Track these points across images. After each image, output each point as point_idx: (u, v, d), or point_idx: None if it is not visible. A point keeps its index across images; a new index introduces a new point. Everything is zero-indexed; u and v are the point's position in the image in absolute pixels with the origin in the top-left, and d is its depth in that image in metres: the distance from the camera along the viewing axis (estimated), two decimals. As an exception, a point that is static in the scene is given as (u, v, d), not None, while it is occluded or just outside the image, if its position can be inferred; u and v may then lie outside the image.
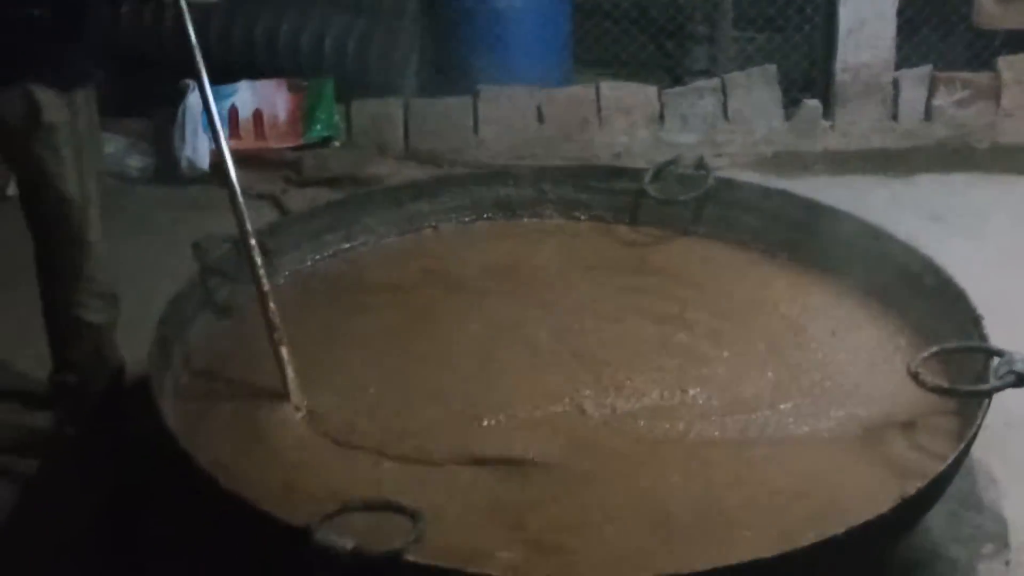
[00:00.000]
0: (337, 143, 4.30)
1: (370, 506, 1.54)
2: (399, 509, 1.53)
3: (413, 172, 4.10)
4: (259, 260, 2.10)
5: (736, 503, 1.70)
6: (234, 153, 3.99)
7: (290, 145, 4.22)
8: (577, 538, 1.65)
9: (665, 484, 1.75)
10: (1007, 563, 1.93)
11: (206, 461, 1.63)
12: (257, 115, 4.23)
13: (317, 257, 2.54)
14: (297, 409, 1.97)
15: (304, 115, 4.26)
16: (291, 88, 4.29)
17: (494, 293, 2.38)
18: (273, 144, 4.21)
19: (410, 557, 1.43)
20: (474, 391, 2.00)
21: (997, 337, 2.77)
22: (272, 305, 2.06)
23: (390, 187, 2.95)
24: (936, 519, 2.00)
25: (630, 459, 1.81)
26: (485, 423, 1.92)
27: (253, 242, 2.13)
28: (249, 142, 4.17)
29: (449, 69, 4.73)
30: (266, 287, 2.08)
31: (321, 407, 1.98)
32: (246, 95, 4.23)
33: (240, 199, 2.20)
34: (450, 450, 1.83)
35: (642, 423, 1.93)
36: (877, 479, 1.78)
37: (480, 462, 1.80)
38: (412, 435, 1.88)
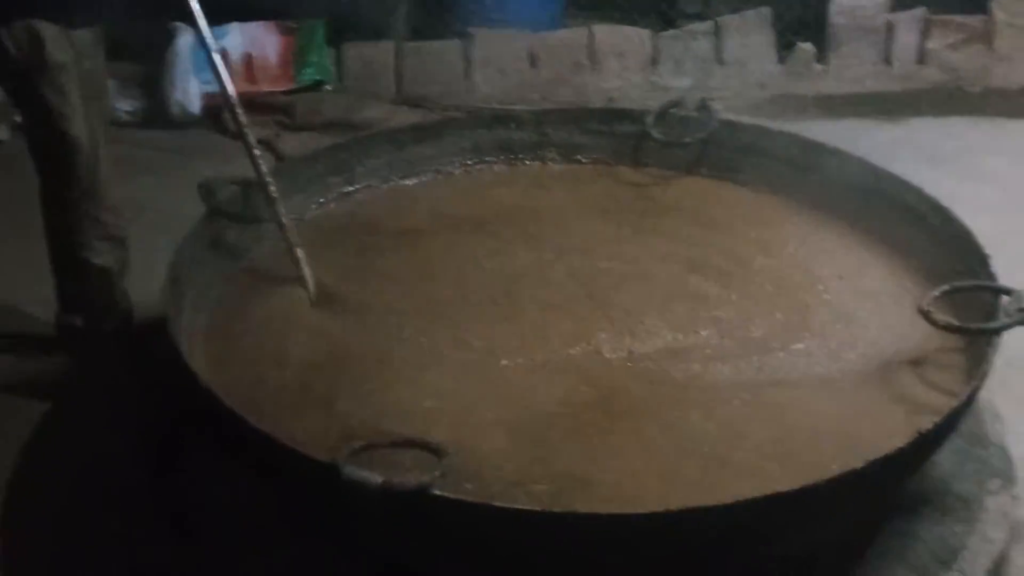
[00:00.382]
0: (329, 87, 4.25)
1: (396, 442, 1.55)
2: (424, 446, 1.54)
3: (406, 116, 4.07)
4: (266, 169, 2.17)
5: (757, 439, 1.72)
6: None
7: (281, 89, 4.16)
8: (605, 472, 1.66)
9: (686, 422, 1.76)
10: (1013, 497, 1.96)
11: (229, 399, 1.63)
12: (247, 58, 4.16)
13: (322, 200, 2.52)
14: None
15: (295, 58, 4.20)
16: (281, 31, 4.22)
17: (507, 236, 2.37)
18: (264, 88, 4.15)
19: (438, 492, 1.44)
20: (494, 333, 2.01)
21: (999, 276, 2.82)
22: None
23: (392, 130, 2.92)
24: (944, 455, 2.03)
25: (650, 399, 1.83)
26: (505, 363, 1.92)
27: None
28: (240, 86, 4.06)
29: (440, 12, 4.67)
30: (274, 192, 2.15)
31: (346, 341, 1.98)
32: (236, 38, 4.15)
33: (246, 128, 2.27)
34: (473, 390, 1.84)
35: (659, 364, 1.94)
36: (891, 416, 1.80)
37: (503, 402, 1.80)
38: (437, 374, 1.88)
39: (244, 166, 2.74)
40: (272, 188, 2.17)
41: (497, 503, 1.47)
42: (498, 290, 2.16)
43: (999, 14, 4.63)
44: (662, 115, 2.79)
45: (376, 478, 1.42)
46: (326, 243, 2.33)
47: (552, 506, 1.53)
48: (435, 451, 1.52)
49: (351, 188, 2.60)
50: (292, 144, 3.80)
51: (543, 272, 2.22)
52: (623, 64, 4.71)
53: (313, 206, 2.50)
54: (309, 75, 4.21)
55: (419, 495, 1.43)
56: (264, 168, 2.21)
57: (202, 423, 1.73)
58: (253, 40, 4.19)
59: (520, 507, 1.48)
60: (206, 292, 2.10)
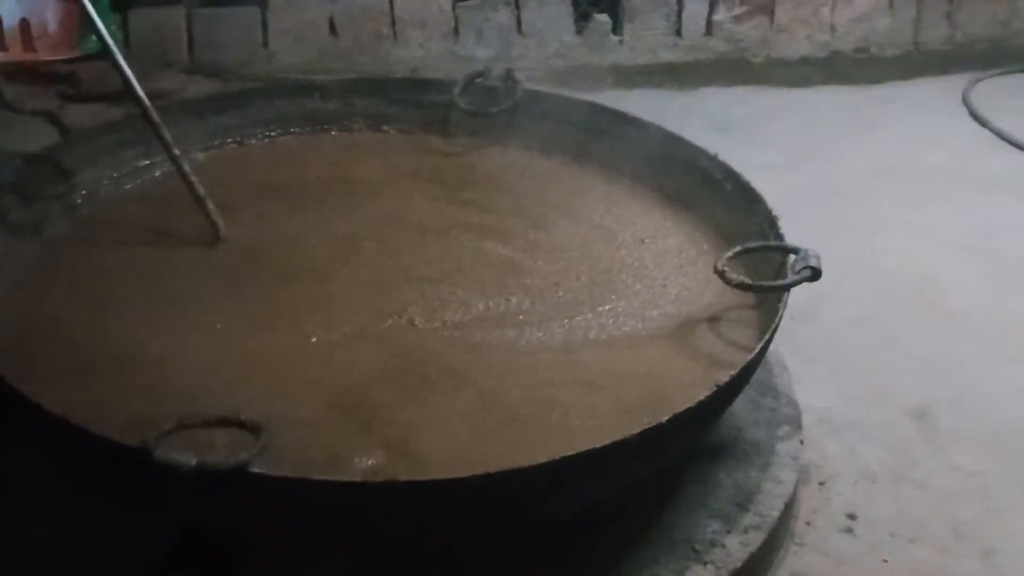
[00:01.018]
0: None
1: (208, 422, 1.50)
2: (240, 424, 1.50)
3: (201, 87, 3.93)
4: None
5: (569, 400, 1.77)
6: (1, 66, 3.75)
7: (64, 57, 3.90)
8: (428, 440, 1.67)
9: (502, 387, 1.79)
10: (801, 442, 2.11)
11: (27, 387, 1.53)
12: (24, 24, 3.85)
13: (115, 175, 2.40)
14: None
15: (77, 25, 3.94)
16: (63, -6, 3.96)
17: (315, 207, 2.34)
18: (45, 56, 3.86)
19: (256, 469, 1.41)
20: (305, 308, 1.98)
21: (787, 235, 3.01)
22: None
23: (191, 99, 2.82)
24: (739, 405, 2.16)
25: (465, 366, 1.84)
26: (315, 339, 1.90)
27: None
28: (17, 54, 3.80)
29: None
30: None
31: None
32: (10, 2, 3.86)
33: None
34: (285, 366, 1.80)
35: (472, 332, 1.95)
36: (692, 371, 1.89)
37: (318, 377, 1.78)
38: (246, 352, 1.84)
39: (25, 137, 2.59)
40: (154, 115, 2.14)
41: (317, 476, 1.46)
42: (306, 263, 2.12)
43: (779, -13, 4.90)
44: (468, 85, 2.81)
45: (190, 459, 1.38)
46: (121, 220, 2.22)
47: (374, 477, 1.53)
48: (251, 429, 1.49)
49: (148, 162, 2.48)
50: (80, 116, 3.59)
51: (353, 244, 2.20)
52: (425, 34, 4.70)
53: (106, 181, 2.38)
54: (94, 42, 3.95)
55: (236, 473, 1.40)
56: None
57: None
58: (30, 5, 3.89)
59: (341, 479, 1.47)
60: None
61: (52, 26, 3.92)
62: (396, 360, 1.85)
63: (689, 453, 2.00)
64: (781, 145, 3.80)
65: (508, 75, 2.85)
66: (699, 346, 2.01)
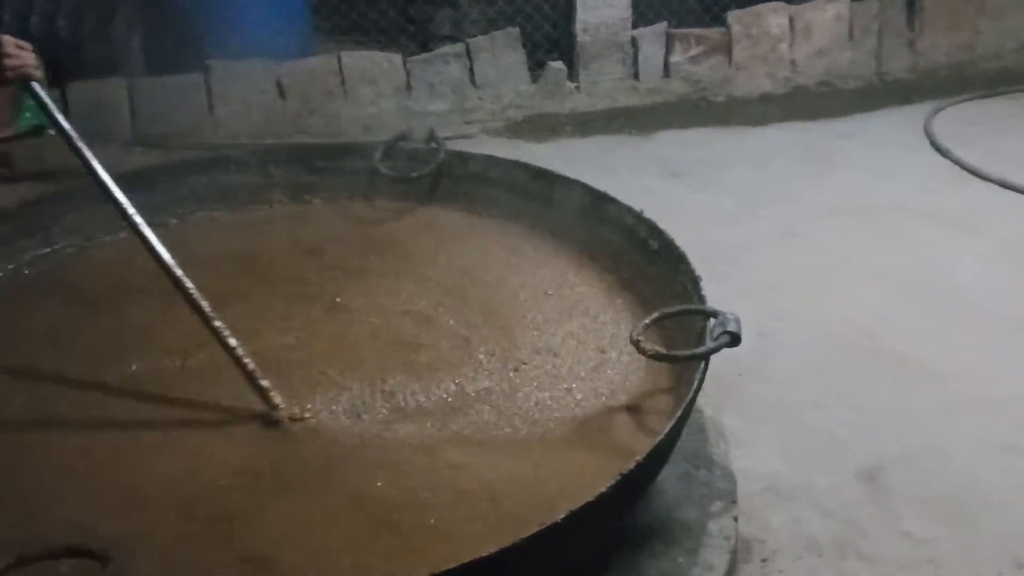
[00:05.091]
0: (52, 131, 3.93)
1: (54, 553, 1.38)
2: (86, 553, 1.37)
3: (141, 159, 3.84)
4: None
5: (453, 503, 1.63)
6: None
7: (-2, 137, 3.83)
8: (293, 550, 1.54)
9: (372, 488, 1.65)
10: (735, 519, 1.97)
11: None
12: None
13: (10, 266, 2.30)
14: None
15: (12, 103, 3.87)
16: (-5, 73, 3.89)
17: (204, 291, 2.21)
18: (-23, 137, 3.81)
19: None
20: (157, 406, 1.85)
21: (732, 283, 2.90)
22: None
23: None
24: (670, 481, 2.03)
25: (331, 465, 1.71)
26: (172, 435, 1.77)
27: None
28: (-51, 137, 3.76)
29: (177, 44, 4.43)
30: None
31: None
32: (-58, 84, 3.79)
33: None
34: (138, 473, 1.67)
35: (341, 424, 1.82)
36: (603, 459, 1.75)
37: (173, 481, 1.65)
38: (98, 461, 1.71)
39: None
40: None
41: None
42: (175, 355, 2.01)
43: (735, 26, 4.83)
44: (390, 149, 2.72)
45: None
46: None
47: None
48: (100, 558, 1.36)
49: (48, 250, 2.38)
50: (9, 197, 3.48)
51: (232, 328, 2.08)
52: (376, 91, 4.62)
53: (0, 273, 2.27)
54: (27, 120, 3.87)
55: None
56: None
57: None
58: (-37, 85, 3.83)
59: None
60: None
61: (-14, 106, 3.85)
62: (256, 459, 1.71)
63: (612, 538, 1.86)
64: (735, 188, 3.70)
65: (431, 136, 2.75)
66: (612, 430, 1.88)
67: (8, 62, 2.01)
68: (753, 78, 4.89)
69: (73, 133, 2.11)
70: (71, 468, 1.69)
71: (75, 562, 1.38)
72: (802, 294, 2.94)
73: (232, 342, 1.89)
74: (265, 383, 1.87)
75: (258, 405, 1.85)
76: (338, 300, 2.21)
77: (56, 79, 4.00)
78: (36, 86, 2.11)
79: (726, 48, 4.85)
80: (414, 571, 1.41)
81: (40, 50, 3.85)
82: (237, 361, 1.87)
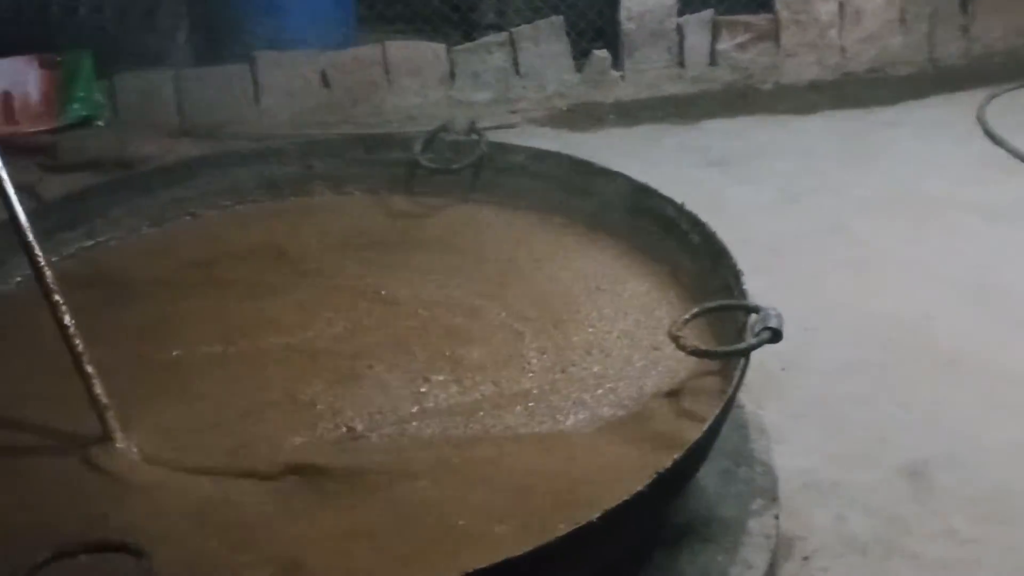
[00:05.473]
0: (101, 122, 4.00)
1: (89, 548, 1.39)
2: (123, 547, 1.39)
3: (187, 149, 3.86)
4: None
5: (485, 501, 1.62)
6: (-18, 140, 3.74)
7: (46, 128, 3.89)
8: (320, 550, 1.54)
9: (403, 487, 1.64)
10: (776, 517, 1.94)
11: None
12: (6, 97, 3.87)
13: (55, 259, 2.31)
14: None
15: (60, 94, 3.93)
16: (44, 64, 3.95)
17: (246, 287, 2.24)
18: (26, 128, 3.87)
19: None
20: (200, 404, 1.86)
21: (776, 275, 2.86)
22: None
23: (137, 173, 2.75)
24: (710, 478, 2.01)
25: (374, 468, 1.70)
26: (212, 435, 1.78)
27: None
28: (-2, 127, 3.84)
29: (223, 34, 4.47)
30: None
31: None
32: (-7, 76, 3.87)
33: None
34: (177, 474, 1.68)
35: (371, 423, 1.82)
36: (640, 457, 1.72)
37: (211, 485, 1.65)
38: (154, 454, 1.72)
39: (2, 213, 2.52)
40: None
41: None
42: (216, 350, 2.01)
43: (783, 12, 4.75)
44: (430, 141, 2.71)
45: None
46: (40, 312, 2.12)
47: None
48: (134, 552, 1.37)
49: (91, 242, 2.41)
50: (57, 188, 3.54)
51: (277, 320, 2.09)
52: (420, 80, 4.62)
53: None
54: (75, 111, 3.95)
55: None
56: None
57: None
58: (13, 77, 3.90)
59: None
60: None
61: (35, 97, 3.92)
62: (295, 459, 1.71)
63: (650, 537, 1.85)
64: (780, 179, 3.65)
65: (472, 128, 2.74)
66: (654, 424, 1.83)
67: None
68: (801, 65, 4.81)
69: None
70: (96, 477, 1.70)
71: (112, 557, 1.39)
72: (847, 288, 2.90)
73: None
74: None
75: (301, 404, 1.84)
76: (383, 293, 2.20)
77: (103, 69, 4.05)
78: None
79: (774, 35, 4.78)
80: (445, 571, 1.41)
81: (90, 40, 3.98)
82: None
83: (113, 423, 1.73)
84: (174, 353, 2.02)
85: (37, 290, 1.81)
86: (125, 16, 4.16)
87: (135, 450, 1.73)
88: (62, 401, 1.80)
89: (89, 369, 1.74)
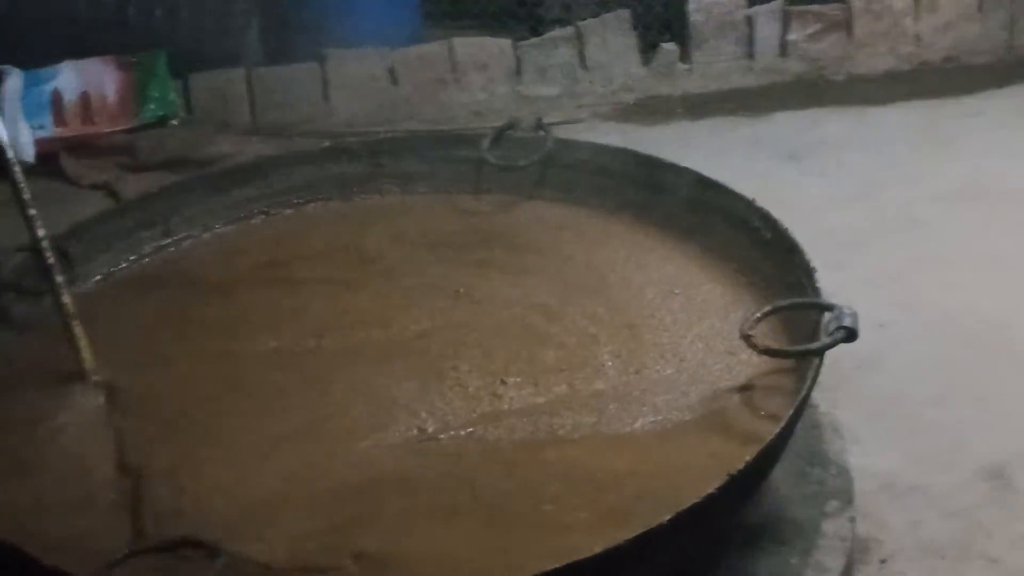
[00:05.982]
0: (175, 122, 4.07)
1: (163, 546, 1.42)
2: (196, 544, 1.41)
3: (258, 147, 3.92)
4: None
5: (563, 498, 1.62)
6: (61, 141, 3.85)
7: (122, 128, 3.97)
8: (411, 546, 1.55)
9: (480, 483, 1.65)
10: (852, 519, 1.91)
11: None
12: (84, 98, 3.96)
13: (132, 258, 2.37)
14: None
15: (136, 94, 4.01)
16: (120, 65, 4.02)
17: (324, 284, 2.27)
18: (103, 128, 3.95)
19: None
20: (283, 404, 1.88)
21: (850, 271, 2.80)
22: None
23: (211, 173, 2.80)
24: (783, 479, 1.98)
25: (454, 464, 1.71)
26: (288, 429, 1.80)
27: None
28: (76, 128, 3.92)
29: (294, 34, 4.52)
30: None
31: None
32: (70, 77, 3.95)
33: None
34: (261, 473, 1.70)
35: (455, 421, 1.82)
36: (712, 458, 1.71)
37: (292, 484, 1.67)
38: (223, 459, 1.74)
39: (83, 213, 2.59)
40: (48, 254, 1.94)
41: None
42: (303, 349, 2.03)
43: (856, 2, 4.65)
44: (497, 138, 2.71)
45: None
46: (124, 308, 2.18)
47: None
48: (210, 550, 1.40)
49: (167, 240, 2.46)
50: (135, 186, 3.63)
51: (359, 318, 2.11)
52: (487, 76, 4.62)
53: (123, 264, 2.35)
54: (151, 111, 4.02)
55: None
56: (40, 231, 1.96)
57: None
58: (89, 78, 3.99)
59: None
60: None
61: (111, 97, 4.01)
62: (377, 457, 1.73)
63: (722, 539, 1.82)
64: (854, 172, 3.57)
65: (539, 124, 2.73)
66: (729, 422, 1.82)
67: None
68: (875, 55, 4.70)
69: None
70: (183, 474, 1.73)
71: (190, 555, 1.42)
72: (924, 284, 2.83)
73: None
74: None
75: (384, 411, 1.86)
76: (461, 291, 2.21)
77: (178, 69, 4.13)
78: None
79: (846, 24, 4.68)
80: (520, 568, 1.41)
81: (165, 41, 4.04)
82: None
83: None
84: (265, 348, 2.05)
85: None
86: (199, 17, 4.23)
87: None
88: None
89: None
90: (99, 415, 1.86)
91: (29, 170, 3.76)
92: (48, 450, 1.78)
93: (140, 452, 1.77)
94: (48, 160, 3.78)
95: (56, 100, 3.91)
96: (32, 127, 3.79)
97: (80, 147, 3.85)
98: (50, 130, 3.89)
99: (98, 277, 2.29)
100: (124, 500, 1.62)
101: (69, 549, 1.47)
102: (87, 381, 1.91)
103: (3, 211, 3.48)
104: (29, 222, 1.94)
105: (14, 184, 1.94)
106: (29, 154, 3.76)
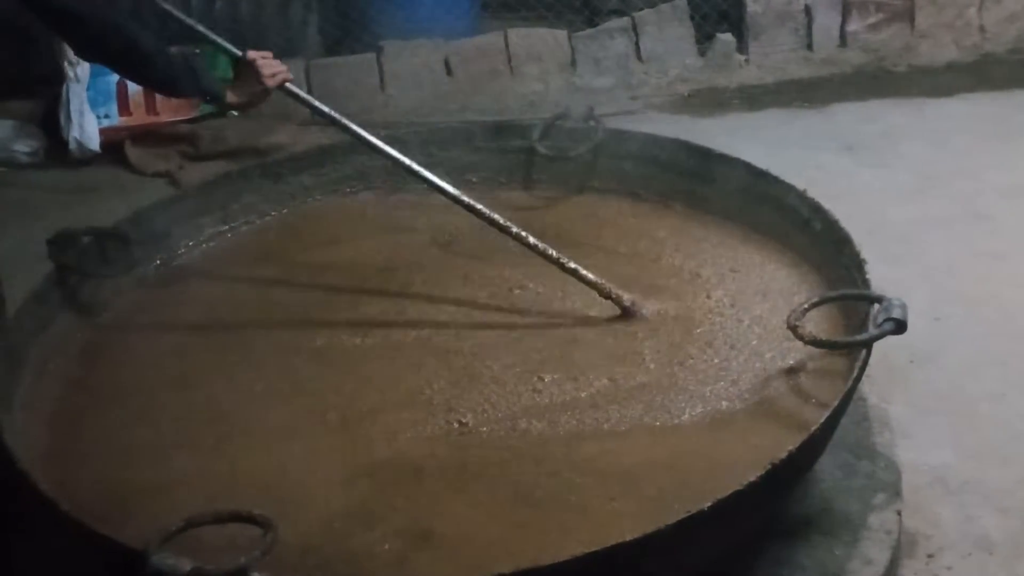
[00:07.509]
0: (235, 113, 4.13)
1: (218, 518, 1.46)
2: (249, 519, 1.45)
3: (316, 138, 3.96)
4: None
5: (601, 488, 1.63)
6: (126, 130, 3.94)
7: (184, 118, 4.06)
8: (449, 528, 1.58)
9: (519, 475, 1.67)
10: (898, 513, 1.89)
11: (47, 480, 1.54)
12: (148, 89, 4.04)
13: (191, 243, 2.43)
14: None
15: (198, 86, 4.08)
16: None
17: (375, 272, 2.31)
18: (166, 118, 4.04)
19: (256, 574, 1.35)
20: (334, 387, 1.92)
21: (907, 264, 2.77)
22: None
23: (267, 162, 2.83)
24: (829, 471, 1.97)
25: (494, 453, 1.73)
26: (335, 421, 1.84)
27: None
28: (141, 117, 4.02)
29: (352, 26, 4.58)
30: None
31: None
32: (136, 68, 4.04)
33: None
34: (310, 454, 1.75)
35: (492, 415, 1.84)
36: (761, 445, 1.70)
37: (337, 466, 1.71)
38: (282, 441, 1.79)
39: (136, 203, 2.65)
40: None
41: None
42: (359, 343, 2.07)
43: (918, -8, 4.58)
44: (548, 128, 2.72)
45: (185, 565, 1.33)
46: (185, 293, 2.24)
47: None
48: (262, 524, 1.43)
49: (226, 227, 2.51)
50: (196, 175, 3.70)
51: (403, 319, 2.14)
52: (542, 67, 4.64)
53: (181, 249, 2.41)
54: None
55: (235, 579, 1.34)
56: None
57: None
58: (155, 69, 4.07)
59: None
60: (53, 358, 2.00)
61: (174, 89, 4.07)
62: (418, 445, 1.76)
63: (767, 528, 1.82)
64: (913, 164, 3.52)
65: (590, 115, 2.73)
66: (777, 411, 1.81)
67: (267, 75, 2.23)
68: (937, 46, 4.62)
69: (337, 116, 2.32)
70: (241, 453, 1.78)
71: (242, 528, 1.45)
72: (983, 278, 2.79)
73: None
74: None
75: (422, 402, 1.88)
76: (510, 289, 2.24)
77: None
78: (291, 86, 2.31)
79: (908, 15, 4.61)
80: (560, 542, 1.43)
81: (226, 32, 4.11)
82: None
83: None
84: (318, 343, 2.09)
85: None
86: (260, 9, 4.30)
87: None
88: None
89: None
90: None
91: (94, 159, 3.90)
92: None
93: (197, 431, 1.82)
94: (113, 149, 3.87)
95: (121, 90, 4.00)
96: (98, 116, 3.88)
97: (144, 136, 3.94)
98: (115, 120, 3.99)
99: (156, 262, 2.34)
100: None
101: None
102: None
103: (70, 198, 3.64)
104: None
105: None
106: (94, 143, 3.86)
